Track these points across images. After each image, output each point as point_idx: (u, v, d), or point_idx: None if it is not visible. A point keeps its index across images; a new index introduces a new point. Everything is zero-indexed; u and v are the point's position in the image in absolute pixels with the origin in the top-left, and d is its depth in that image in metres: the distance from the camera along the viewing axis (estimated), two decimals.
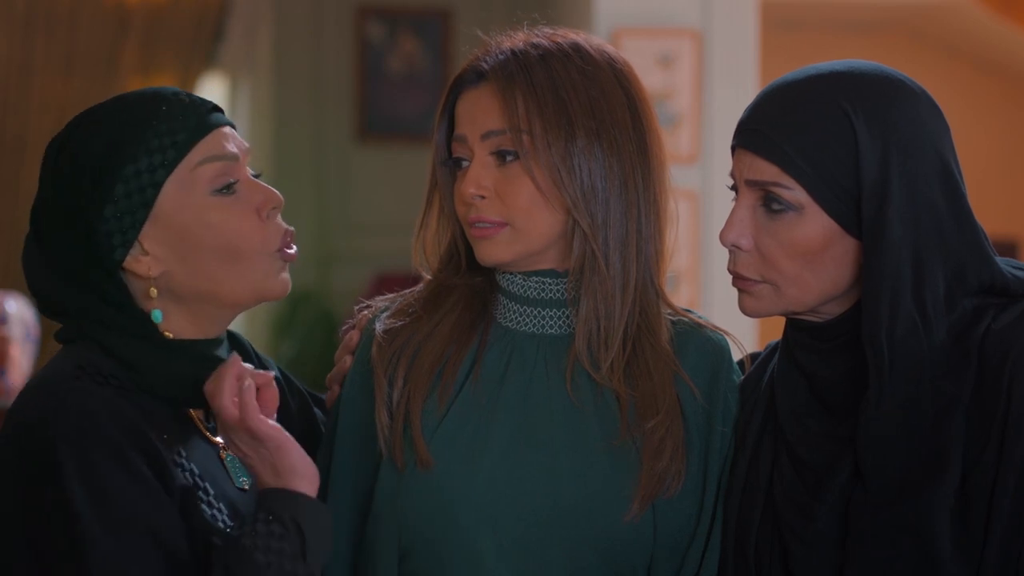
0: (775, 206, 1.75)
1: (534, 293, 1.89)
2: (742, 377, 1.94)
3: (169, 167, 1.75)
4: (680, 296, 4.95)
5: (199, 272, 1.77)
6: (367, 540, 1.86)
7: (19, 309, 4.19)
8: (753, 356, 1.97)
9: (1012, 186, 7.47)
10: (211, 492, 1.75)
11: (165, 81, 6.57)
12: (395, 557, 1.85)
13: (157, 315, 1.77)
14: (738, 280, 1.81)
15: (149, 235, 1.76)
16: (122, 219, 1.75)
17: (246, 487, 1.81)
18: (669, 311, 1.91)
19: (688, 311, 1.94)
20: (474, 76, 1.87)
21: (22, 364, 4.21)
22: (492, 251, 1.85)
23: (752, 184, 1.77)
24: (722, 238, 1.79)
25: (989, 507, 1.67)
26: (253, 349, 2.00)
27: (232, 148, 1.79)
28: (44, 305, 1.80)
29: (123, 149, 1.75)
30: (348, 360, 1.95)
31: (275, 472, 1.72)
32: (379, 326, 1.91)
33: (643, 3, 5.07)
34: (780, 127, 1.75)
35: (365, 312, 1.97)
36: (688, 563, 1.84)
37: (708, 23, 5.11)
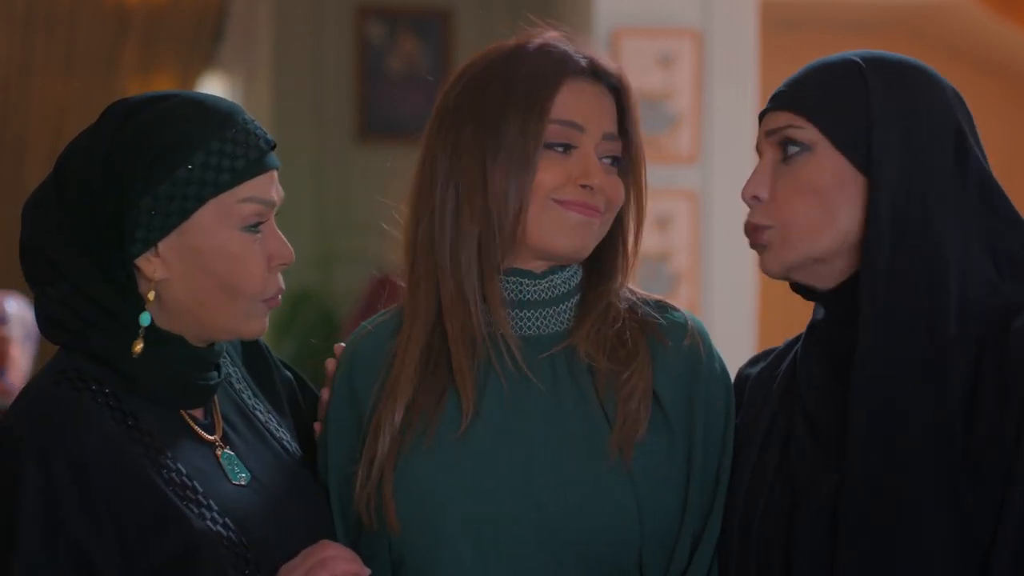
0: (790, 149, 1.80)
1: (544, 294, 1.90)
2: (745, 372, 1.95)
3: (218, 189, 1.75)
4: (680, 296, 4.95)
5: (195, 293, 1.77)
6: (361, 554, 1.86)
7: (19, 309, 4.20)
8: (766, 352, 1.98)
9: (1012, 186, 7.46)
10: (200, 491, 1.75)
11: (165, 81, 6.58)
12: (388, 570, 1.86)
13: (146, 318, 1.77)
14: (752, 235, 1.85)
15: (168, 242, 1.76)
16: (154, 218, 1.74)
17: (243, 483, 1.82)
18: (641, 295, 1.93)
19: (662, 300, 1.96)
20: (588, 70, 1.90)
21: (22, 364, 4.21)
22: (592, 237, 1.89)
23: (770, 134, 1.83)
24: (743, 193, 1.85)
25: (1003, 498, 1.68)
26: (269, 352, 2.01)
27: (274, 195, 1.81)
28: (34, 259, 1.78)
29: (185, 149, 1.74)
30: (326, 394, 1.96)
31: None
32: (365, 347, 1.92)
33: (643, 3, 5.08)
34: (798, 83, 1.84)
35: (340, 345, 1.98)
36: (676, 559, 1.84)
37: (708, 23, 5.12)
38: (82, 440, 1.69)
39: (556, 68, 1.88)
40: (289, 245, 1.82)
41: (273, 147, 1.82)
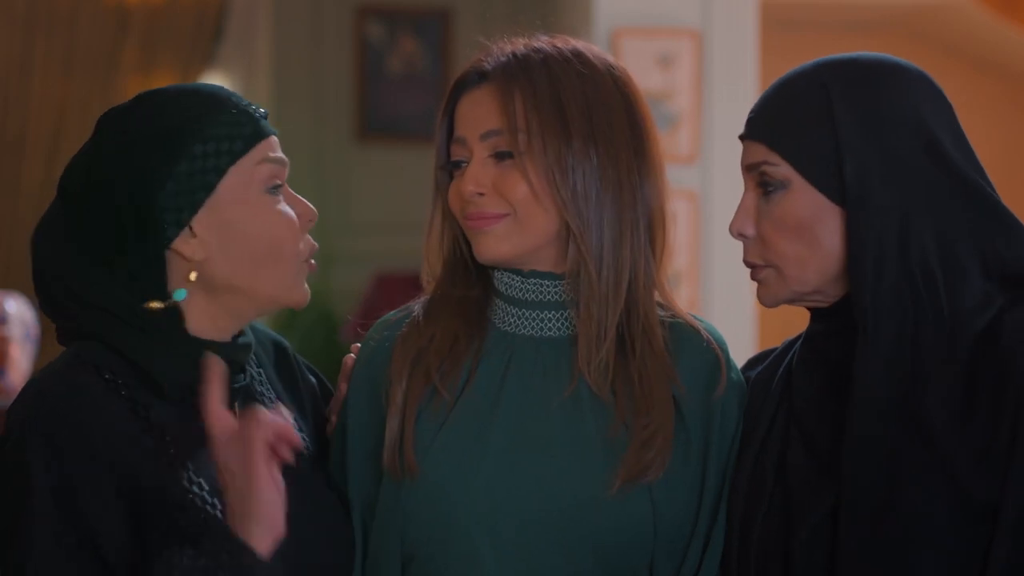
0: (768, 187, 1.80)
1: (532, 295, 1.89)
2: (743, 375, 1.95)
3: (235, 156, 1.79)
4: (679, 296, 4.94)
5: (237, 265, 1.79)
6: (371, 548, 1.87)
7: (19, 309, 4.19)
8: (765, 354, 1.98)
9: (1012, 186, 7.47)
10: (206, 488, 1.75)
11: (165, 81, 6.57)
12: (398, 564, 1.86)
13: (181, 293, 1.78)
14: (749, 270, 1.85)
15: (201, 220, 1.78)
16: (181, 198, 1.76)
17: None
18: (668, 312, 1.92)
19: (694, 316, 1.95)
20: (475, 77, 1.89)
21: (22, 364, 4.21)
22: (491, 245, 1.86)
23: (749, 169, 1.82)
24: (730, 229, 1.84)
25: (1001, 496, 1.68)
26: (295, 355, 2.02)
27: (282, 155, 1.85)
28: (51, 286, 1.79)
29: (195, 127, 1.77)
30: (343, 388, 1.97)
31: (241, 503, 1.65)
32: (388, 334, 1.93)
33: (643, 3, 5.07)
34: (766, 110, 1.82)
35: (358, 345, 1.99)
36: (688, 562, 1.84)
37: (708, 23, 5.11)
38: (93, 423, 1.70)
39: (451, 90, 1.91)
40: (311, 205, 1.85)
41: (265, 116, 1.85)
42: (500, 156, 1.85)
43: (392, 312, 1.98)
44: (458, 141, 1.88)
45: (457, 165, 1.89)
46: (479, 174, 1.85)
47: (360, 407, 1.92)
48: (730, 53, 5.13)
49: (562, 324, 1.89)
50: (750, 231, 1.82)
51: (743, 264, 1.86)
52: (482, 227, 1.86)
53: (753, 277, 1.85)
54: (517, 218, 1.85)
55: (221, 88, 1.84)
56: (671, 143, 5.03)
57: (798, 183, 1.78)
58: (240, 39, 7.02)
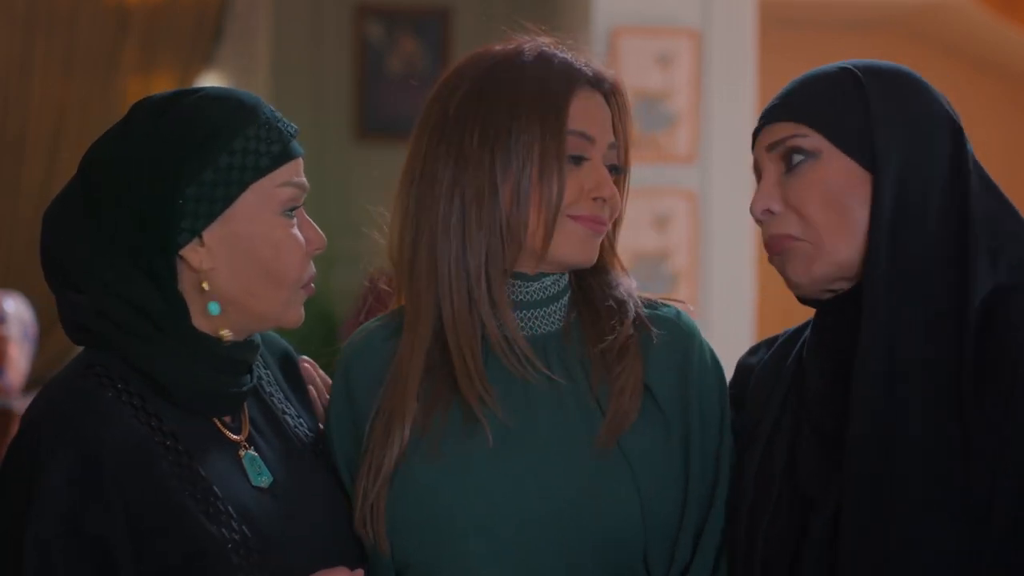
0: (795, 158, 1.80)
1: (535, 295, 1.90)
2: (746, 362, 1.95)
3: (258, 174, 1.78)
4: (679, 295, 4.95)
5: (241, 281, 1.79)
6: (365, 555, 1.87)
7: (17, 309, 4.20)
8: (768, 341, 1.98)
9: (1012, 186, 7.46)
10: (219, 495, 1.75)
11: (165, 81, 6.57)
12: (391, 572, 1.86)
13: (214, 307, 1.78)
14: (778, 243, 1.82)
15: (213, 231, 1.77)
16: (199, 206, 1.76)
17: (264, 485, 1.81)
18: (640, 298, 1.93)
19: (663, 302, 1.96)
20: (591, 79, 1.89)
21: (20, 363, 4.21)
22: (598, 247, 1.90)
23: (773, 147, 1.82)
24: (753, 208, 1.83)
25: (1001, 494, 1.68)
26: (297, 358, 2.01)
27: (304, 179, 1.84)
28: (59, 269, 1.79)
29: (224, 136, 1.77)
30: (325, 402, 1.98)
31: None
32: (368, 339, 1.93)
33: (642, 2, 5.08)
34: (795, 93, 1.84)
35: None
36: (679, 554, 1.84)
37: (707, 22, 5.12)
38: (100, 435, 1.70)
39: (566, 77, 1.87)
40: (322, 233, 1.85)
41: (295, 135, 1.84)
42: (612, 169, 1.90)
43: (368, 323, 1.97)
44: (584, 137, 1.86)
45: (578, 160, 1.87)
46: (610, 181, 1.88)
47: (340, 419, 1.92)
48: (729, 52, 5.13)
49: (534, 322, 1.90)
50: (777, 207, 1.82)
51: (764, 246, 1.86)
52: (600, 231, 1.88)
53: (784, 249, 1.82)
54: (607, 229, 1.91)
55: (259, 100, 1.82)
56: (670, 142, 5.03)
57: (829, 151, 1.79)
58: (240, 39, 7.02)
